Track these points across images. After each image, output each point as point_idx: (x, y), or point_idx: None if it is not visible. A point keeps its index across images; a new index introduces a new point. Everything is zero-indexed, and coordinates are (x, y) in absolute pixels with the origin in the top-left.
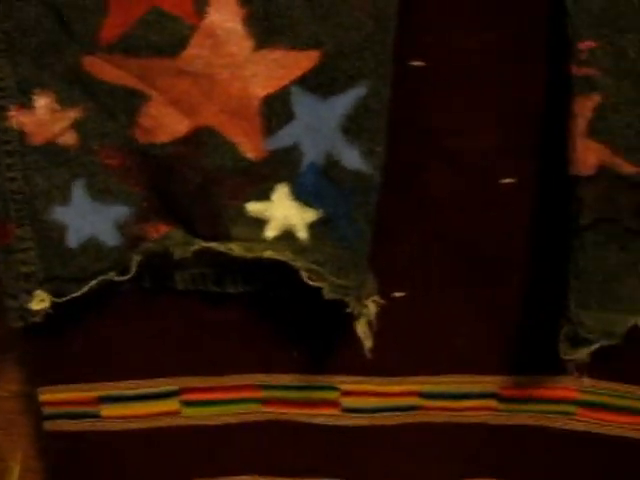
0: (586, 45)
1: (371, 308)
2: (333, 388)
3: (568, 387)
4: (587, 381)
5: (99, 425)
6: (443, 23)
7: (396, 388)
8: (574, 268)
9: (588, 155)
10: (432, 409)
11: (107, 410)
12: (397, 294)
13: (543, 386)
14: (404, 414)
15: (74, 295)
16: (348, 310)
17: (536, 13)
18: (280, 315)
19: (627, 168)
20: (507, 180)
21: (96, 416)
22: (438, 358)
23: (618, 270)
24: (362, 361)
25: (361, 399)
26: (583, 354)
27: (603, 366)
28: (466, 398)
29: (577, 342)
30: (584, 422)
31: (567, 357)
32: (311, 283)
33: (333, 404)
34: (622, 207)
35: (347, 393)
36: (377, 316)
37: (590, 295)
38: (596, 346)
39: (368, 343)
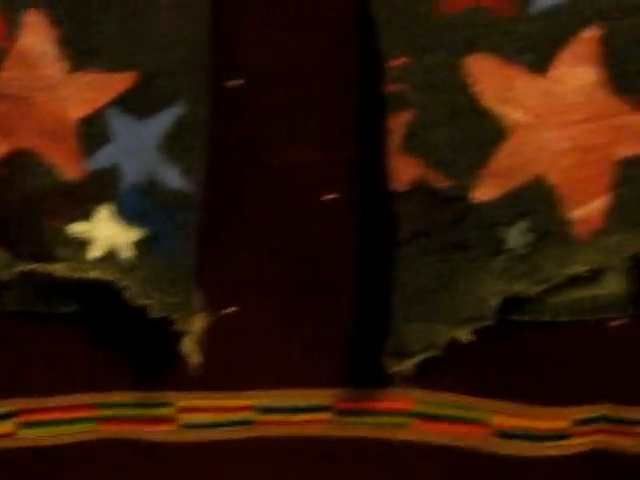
0: (397, 62)
1: (198, 325)
2: (169, 404)
3: (401, 399)
4: (415, 392)
5: None
6: (259, 41)
7: (231, 403)
8: (395, 282)
9: (404, 170)
10: (268, 423)
11: None
12: (228, 310)
13: (377, 398)
14: (241, 429)
15: None
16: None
17: (351, 29)
18: (113, 333)
19: (442, 182)
20: (330, 196)
21: None
22: (272, 372)
23: (437, 283)
24: (197, 377)
25: (197, 415)
26: (407, 366)
27: (433, 377)
28: (301, 412)
29: (401, 354)
30: (419, 433)
31: (392, 369)
32: (137, 302)
33: (170, 420)
34: (438, 220)
35: (183, 409)
36: (208, 332)
37: (411, 308)
38: (419, 358)
39: (195, 360)
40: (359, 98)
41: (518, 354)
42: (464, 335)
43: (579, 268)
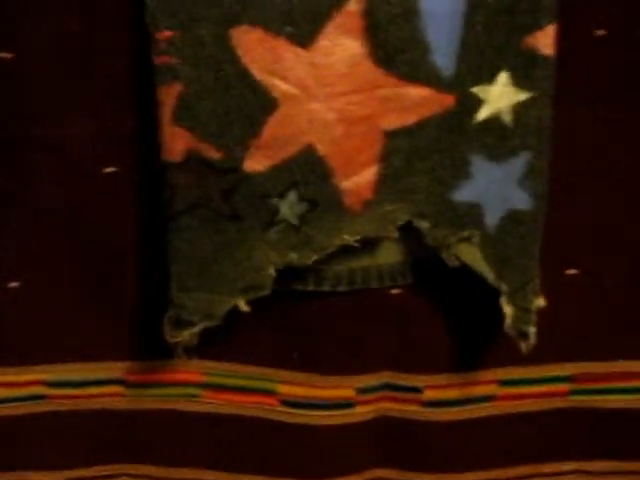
0: (165, 35)
1: None
2: None
3: (191, 370)
4: (204, 363)
5: None
6: (29, 16)
7: (21, 378)
8: (173, 253)
9: (175, 142)
10: (58, 397)
11: None
12: (12, 284)
13: (167, 370)
14: (30, 403)
15: None
16: None
17: (126, 5)
18: None
19: (213, 154)
20: (109, 169)
21: None
22: (61, 346)
23: (213, 253)
24: None
25: None
26: (186, 336)
27: (220, 348)
28: (92, 385)
29: (180, 325)
30: (210, 403)
31: (172, 340)
32: None
33: None
34: (212, 191)
35: None
36: None
37: (189, 278)
38: (198, 328)
39: None
40: (135, 72)
41: (301, 324)
42: (242, 305)
43: (350, 238)
